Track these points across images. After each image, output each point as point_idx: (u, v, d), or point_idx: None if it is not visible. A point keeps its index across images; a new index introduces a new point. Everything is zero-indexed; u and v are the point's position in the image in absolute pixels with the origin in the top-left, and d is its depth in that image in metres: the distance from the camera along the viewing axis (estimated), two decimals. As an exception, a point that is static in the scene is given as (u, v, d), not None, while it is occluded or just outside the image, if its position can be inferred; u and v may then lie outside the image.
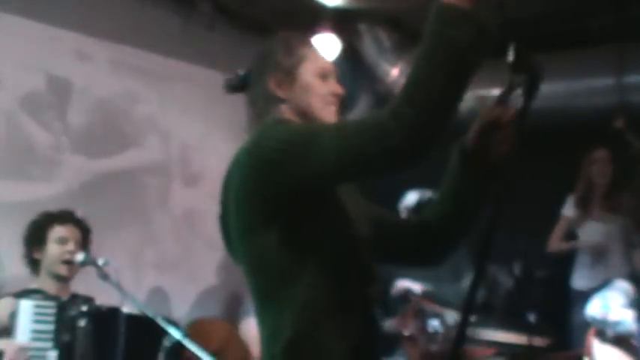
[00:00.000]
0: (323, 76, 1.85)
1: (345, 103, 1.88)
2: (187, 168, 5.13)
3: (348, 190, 1.84)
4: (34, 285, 3.53)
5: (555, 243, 5.08)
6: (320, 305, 1.65)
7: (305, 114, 1.82)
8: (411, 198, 4.38)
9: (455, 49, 1.47)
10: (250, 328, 3.95)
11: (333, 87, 1.86)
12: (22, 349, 3.14)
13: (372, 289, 1.76)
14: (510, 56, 1.58)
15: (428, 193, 4.29)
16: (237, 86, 1.97)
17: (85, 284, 3.55)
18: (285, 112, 1.82)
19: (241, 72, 1.97)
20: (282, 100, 1.83)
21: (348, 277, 1.71)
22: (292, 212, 1.66)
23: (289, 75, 1.84)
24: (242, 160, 1.71)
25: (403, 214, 4.30)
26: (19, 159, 4.25)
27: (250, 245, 1.70)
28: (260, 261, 1.69)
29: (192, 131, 5.17)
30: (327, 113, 1.83)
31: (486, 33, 1.51)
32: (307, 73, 1.84)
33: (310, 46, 1.91)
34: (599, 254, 4.86)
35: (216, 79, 5.22)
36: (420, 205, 4.26)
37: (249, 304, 3.97)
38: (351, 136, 1.56)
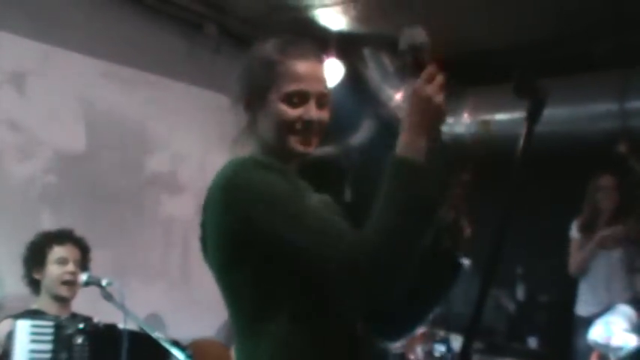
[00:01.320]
0: (293, 99, 1.66)
1: (322, 128, 1.69)
2: (195, 189, 5.07)
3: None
4: (34, 305, 3.50)
5: (579, 264, 4.95)
6: (298, 342, 1.56)
7: (266, 144, 1.69)
8: None
9: (416, 206, 1.46)
10: None
11: (304, 112, 1.66)
12: None
13: (359, 325, 1.64)
14: (515, 82, 1.53)
15: None
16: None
17: (86, 303, 3.51)
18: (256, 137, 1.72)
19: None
20: (252, 123, 1.72)
21: (328, 314, 1.57)
22: (262, 256, 1.54)
23: (259, 97, 1.69)
24: (217, 196, 1.59)
25: None
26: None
27: (225, 279, 1.62)
28: (235, 295, 1.61)
29: (196, 152, 5.13)
30: (290, 143, 1.67)
31: (440, 184, 1.53)
32: (274, 96, 1.66)
33: (289, 58, 1.68)
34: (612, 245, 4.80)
35: (221, 101, 5.33)
36: None
37: None
38: (313, 245, 1.46)
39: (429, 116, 1.54)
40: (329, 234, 1.47)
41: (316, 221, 1.49)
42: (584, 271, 4.91)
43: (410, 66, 1.57)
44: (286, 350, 1.55)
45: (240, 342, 1.63)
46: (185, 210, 4.87)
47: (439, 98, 1.54)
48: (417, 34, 1.57)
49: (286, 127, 1.66)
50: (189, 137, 5.10)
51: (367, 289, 1.45)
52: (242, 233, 1.53)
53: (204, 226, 1.67)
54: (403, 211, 1.45)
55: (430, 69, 1.55)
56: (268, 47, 1.71)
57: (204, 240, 1.68)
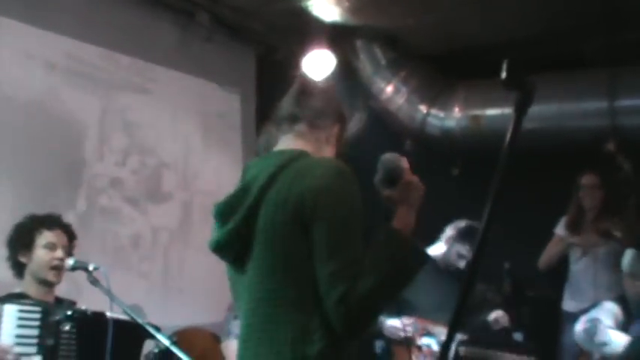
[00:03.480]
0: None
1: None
2: (180, 177, 5.09)
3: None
4: (17, 289, 3.46)
5: (546, 260, 5.07)
6: None
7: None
8: (459, 225, 4.34)
9: (404, 269, 1.94)
10: (231, 350, 3.90)
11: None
12: (5, 350, 3.05)
13: None
14: (503, 74, 1.55)
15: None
16: None
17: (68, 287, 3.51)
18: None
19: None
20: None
21: None
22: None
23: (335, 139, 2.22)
24: (318, 185, 1.93)
25: (448, 244, 4.28)
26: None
27: (285, 251, 1.94)
28: (293, 268, 1.94)
29: (185, 141, 5.14)
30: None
31: (421, 254, 2.03)
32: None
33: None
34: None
35: (212, 90, 5.37)
36: (470, 231, 4.24)
37: (232, 324, 3.95)
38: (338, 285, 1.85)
39: (417, 200, 2.05)
40: (351, 268, 1.86)
41: (354, 253, 1.89)
42: (549, 268, 5.07)
43: (388, 181, 2.06)
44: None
45: (290, 314, 1.93)
46: (177, 196, 4.87)
47: (421, 189, 2.06)
48: (391, 161, 2.07)
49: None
50: (176, 124, 5.11)
51: (351, 327, 1.88)
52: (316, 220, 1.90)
53: (254, 205, 1.99)
54: (390, 276, 1.90)
55: (409, 177, 2.06)
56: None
57: (248, 219, 2.00)
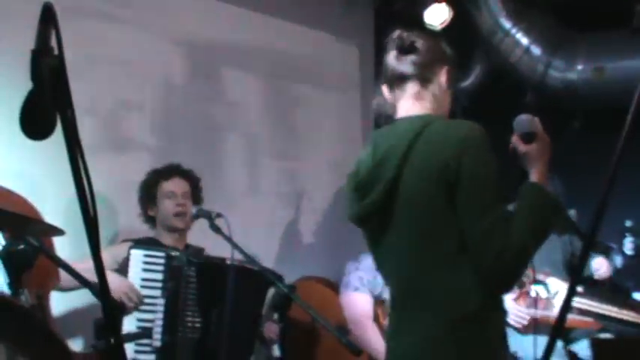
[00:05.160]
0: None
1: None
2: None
3: None
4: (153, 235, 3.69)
5: None
6: None
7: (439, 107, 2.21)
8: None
9: (549, 221, 2.02)
10: (350, 302, 3.96)
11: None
12: (133, 290, 3.23)
13: None
14: (637, 21, 1.51)
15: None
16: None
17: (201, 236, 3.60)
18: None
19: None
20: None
21: None
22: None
23: (449, 84, 2.22)
24: (458, 147, 1.98)
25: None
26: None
27: (432, 217, 2.00)
28: (441, 232, 2.00)
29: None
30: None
31: (558, 207, 2.07)
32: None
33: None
34: None
35: (329, 42, 5.34)
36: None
37: (352, 276, 4.00)
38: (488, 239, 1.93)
39: (548, 155, 2.14)
40: (502, 224, 1.93)
41: (501, 209, 1.96)
42: None
43: (524, 140, 2.14)
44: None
45: (442, 277, 2.00)
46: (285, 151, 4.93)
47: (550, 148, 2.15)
48: (527, 121, 2.16)
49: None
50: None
51: (507, 282, 2.00)
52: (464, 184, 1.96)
53: (400, 165, 2.04)
54: (535, 227, 1.97)
55: (544, 135, 2.14)
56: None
57: (395, 180, 2.05)
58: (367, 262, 3.91)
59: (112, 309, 1.35)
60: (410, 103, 2.17)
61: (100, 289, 1.42)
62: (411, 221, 2.05)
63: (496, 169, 1.99)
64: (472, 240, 1.94)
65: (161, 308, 3.28)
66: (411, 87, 2.17)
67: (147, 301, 3.28)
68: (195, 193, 3.70)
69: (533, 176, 2.11)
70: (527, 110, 2.19)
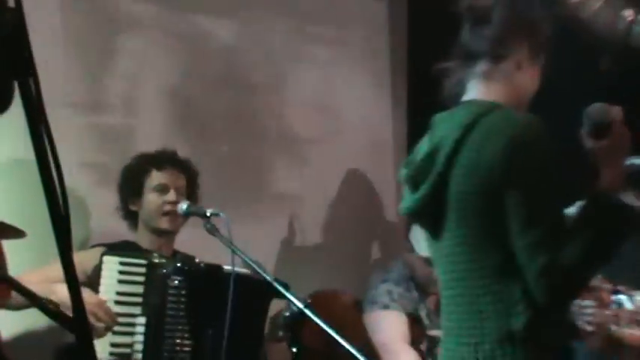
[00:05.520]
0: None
1: None
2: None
3: None
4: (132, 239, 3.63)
5: None
6: None
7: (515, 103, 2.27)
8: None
9: (612, 236, 2.09)
10: (376, 322, 3.98)
11: None
12: (103, 307, 3.16)
13: None
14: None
15: None
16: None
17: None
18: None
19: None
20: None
21: None
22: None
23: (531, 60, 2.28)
24: (506, 148, 2.06)
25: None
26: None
27: (479, 220, 2.13)
28: (489, 237, 2.12)
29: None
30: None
31: (631, 217, 2.08)
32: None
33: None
34: None
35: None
36: None
37: (379, 290, 4.02)
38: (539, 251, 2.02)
39: (626, 153, 2.15)
40: (553, 236, 2.03)
41: (555, 218, 2.06)
42: None
43: (595, 134, 2.13)
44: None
45: (491, 285, 2.13)
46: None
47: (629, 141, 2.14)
48: (599, 113, 2.14)
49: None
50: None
51: (554, 299, 2.08)
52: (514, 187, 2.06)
53: (445, 168, 2.16)
54: (598, 245, 2.05)
55: (620, 129, 2.13)
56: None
57: (439, 185, 2.18)
58: (397, 271, 4.02)
59: (86, 336, 1.32)
60: (478, 85, 2.26)
61: (75, 312, 1.39)
62: (460, 223, 2.18)
63: (555, 170, 2.09)
64: (518, 252, 2.05)
65: (141, 329, 3.24)
66: (480, 66, 2.26)
67: (122, 320, 3.22)
68: (191, 190, 3.66)
69: (604, 180, 2.11)
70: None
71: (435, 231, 2.27)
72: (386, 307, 3.91)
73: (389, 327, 3.91)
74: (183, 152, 3.79)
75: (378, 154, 5.19)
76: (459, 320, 2.22)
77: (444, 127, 2.22)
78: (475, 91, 2.27)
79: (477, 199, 2.12)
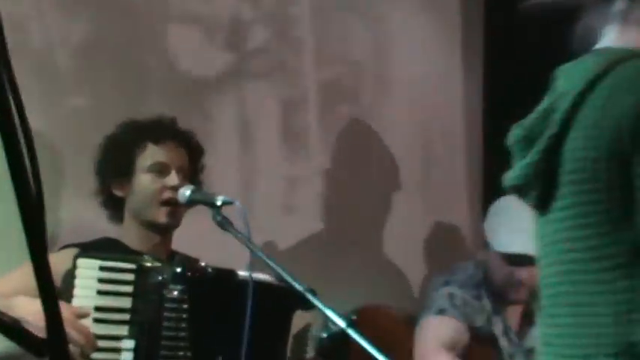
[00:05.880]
0: None
1: None
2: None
3: None
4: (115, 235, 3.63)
5: None
6: None
7: None
8: None
9: None
10: (426, 330, 4.06)
11: None
12: (77, 325, 3.07)
13: None
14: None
15: None
16: None
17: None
18: None
19: None
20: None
21: None
22: None
23: None
24: (629, 103, 2.13)
25: None
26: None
27: (600, 196, 2.17)
28: (612, 219, 2.15)
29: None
30: None
31: None
32: None
33: None
34: None
35: None
36: None
37: (439, 293, 4.09)
38: None
39: None
40: None
41: None
42: None
43: None
44: None
45: (611, 283, 2.16)
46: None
47: None
48: None
49: None
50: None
51: None
52: None
53: (560, 132, 2.24)
54: None
55: None
56: None
57: (549, 157, 2.27)
58: (464, 273, 4.10)
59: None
60: (613, 29, 2.33)
61: (51, 331, 1.27)
62: (575, 199, 2.23)
63: None
64: None
65: (129, 356, 3.18)
66: (619, 4, 2.33)
67: (103, 344, 3.16)
68: (194, 172, 3.64)
69: None
70: None
71: (542, 211, 2.32)
72: (442, 311, 3.91)
73: (436, 333, 3.96)
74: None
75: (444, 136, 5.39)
76: (564, 326, 2.26)
77: (567, 80, 2.26)
78: (610, 36, 2.33)
79: (599, 168, 2.15)
